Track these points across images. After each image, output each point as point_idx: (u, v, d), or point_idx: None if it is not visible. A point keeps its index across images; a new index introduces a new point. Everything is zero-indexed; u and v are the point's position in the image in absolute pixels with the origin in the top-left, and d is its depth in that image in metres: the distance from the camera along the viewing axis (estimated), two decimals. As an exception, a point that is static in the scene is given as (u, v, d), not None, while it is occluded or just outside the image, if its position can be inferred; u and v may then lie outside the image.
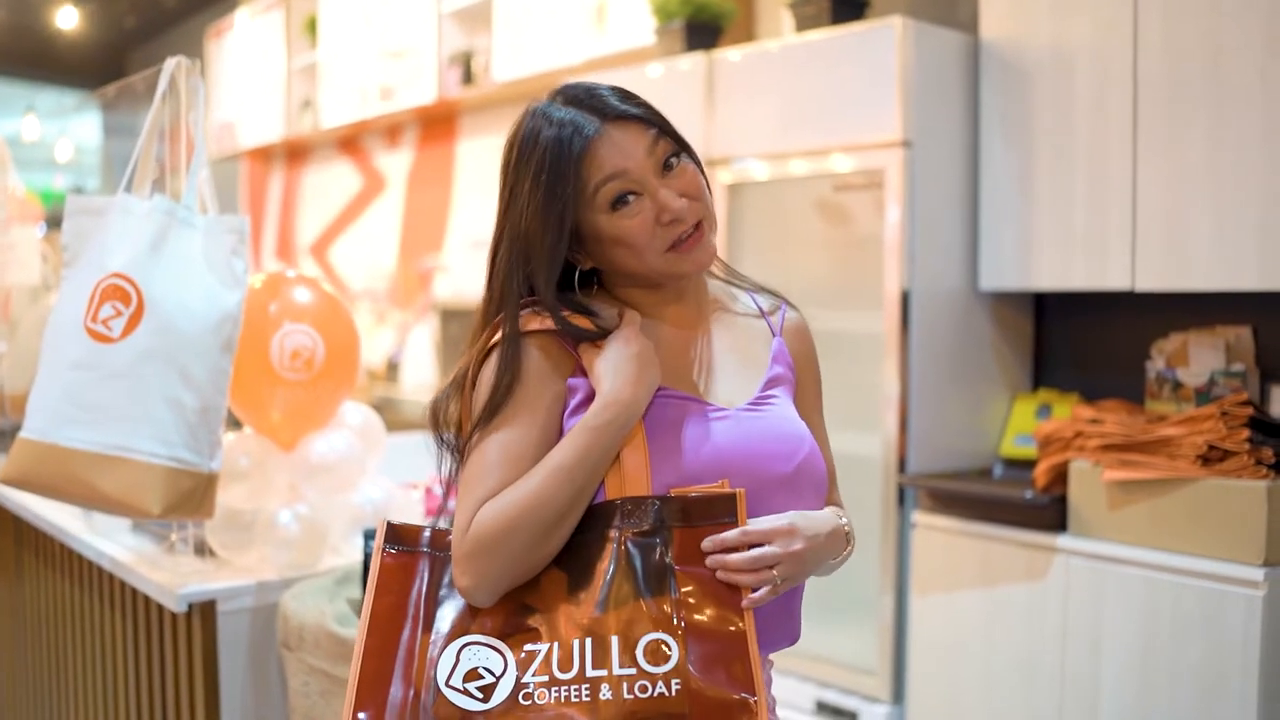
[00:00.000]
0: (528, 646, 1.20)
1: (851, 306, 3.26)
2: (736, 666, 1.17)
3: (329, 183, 7.16)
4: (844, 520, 1.37)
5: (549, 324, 1.31)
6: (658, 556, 1.22)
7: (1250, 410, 2.56)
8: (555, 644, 1.20)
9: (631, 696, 1.15)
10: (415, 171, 6.31)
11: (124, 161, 2.18)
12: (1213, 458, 2.54)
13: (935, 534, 3.03)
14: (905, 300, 3.02)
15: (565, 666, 1.18)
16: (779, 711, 1.46)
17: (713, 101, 3.45)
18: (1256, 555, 2.45)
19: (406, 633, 1.23)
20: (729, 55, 3.43)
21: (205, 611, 2.16)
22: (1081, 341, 3.31)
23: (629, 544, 1.23)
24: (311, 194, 7.40)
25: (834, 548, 1.32)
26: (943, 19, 3.37)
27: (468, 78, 5.24)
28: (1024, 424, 3.24)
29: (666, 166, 1.32)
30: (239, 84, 7.39)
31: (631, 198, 1.30)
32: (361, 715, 1.19)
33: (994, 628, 2.91)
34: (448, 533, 1.28)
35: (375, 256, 6.60)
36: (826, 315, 3.17)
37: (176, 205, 2.07)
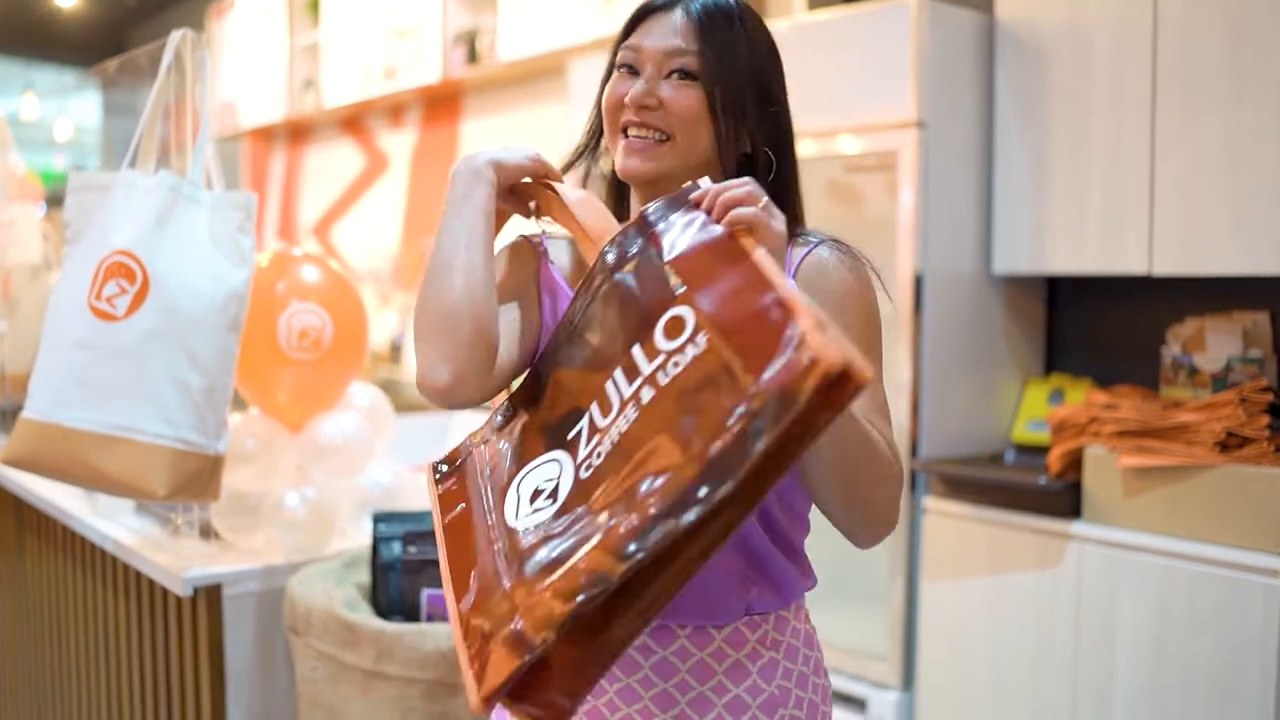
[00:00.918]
0: (570, 433, 1.14)
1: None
2: (751, 280, 1.03)
3: (331, 163, 7.11)
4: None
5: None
6: (649, 266, 1.14)
7: (1270, 397, 2.53)
8: (592, 405, 1.12)
9: (669, 378, 1.03)
10: (419, 152, 6.26)
11: (124, 141, 2.14)
12: (1231, 444, 2.51)
13: (947, 520, 3.00)
14: (918, 283, 2.98)
15: (605, 410, 1.09)
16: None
17: (723, 81, 3.40)
18: (1275, 543, 2.42)
19: (479, 521, 1.17)
20: (740, 34, 3.38)
21: (211, 595, 2.12)
22: (1095, 326, 3.28)
23: (617, 278, 1.18)
24: (314, 174, 7.35)
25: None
26: (957, -2, 3.32)
27: (472, 57, 5.18)
28: (1036, 409, 3.21)
29: (672, 74, 1.31)
30: (240, 63, 7.33)
31: (627, 71, 1.34)
32: (463, 602, 1.10)
33: (1006, 615, 2.88)
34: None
35: (378, 237, 6.56)
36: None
37: (182, 181, 2.03)
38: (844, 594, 3.15)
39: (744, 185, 1.12)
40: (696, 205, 1.15)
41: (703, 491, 0.93)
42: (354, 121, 6.80)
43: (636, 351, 1.09)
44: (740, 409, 0.94)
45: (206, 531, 2.30)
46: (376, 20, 5.81)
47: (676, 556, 0.97)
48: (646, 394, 1.05)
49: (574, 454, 1.11)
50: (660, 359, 1.05)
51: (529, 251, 1.43)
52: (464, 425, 3.12)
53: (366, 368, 5.69)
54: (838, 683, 3.16)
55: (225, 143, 8.13)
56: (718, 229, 1.10)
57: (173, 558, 2.19)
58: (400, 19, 5.62)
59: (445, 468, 1.28)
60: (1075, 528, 2.74)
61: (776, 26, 3.29)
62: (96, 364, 1.95)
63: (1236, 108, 2.64)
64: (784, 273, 1.05)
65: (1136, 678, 2.62)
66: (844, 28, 3.12)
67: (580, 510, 1.05)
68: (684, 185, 1.19)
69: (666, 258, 1.13)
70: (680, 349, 1.04)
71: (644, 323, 1.10)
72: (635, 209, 1.37)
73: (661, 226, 1.16)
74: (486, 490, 1.20)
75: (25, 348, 3.03)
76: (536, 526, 1.08)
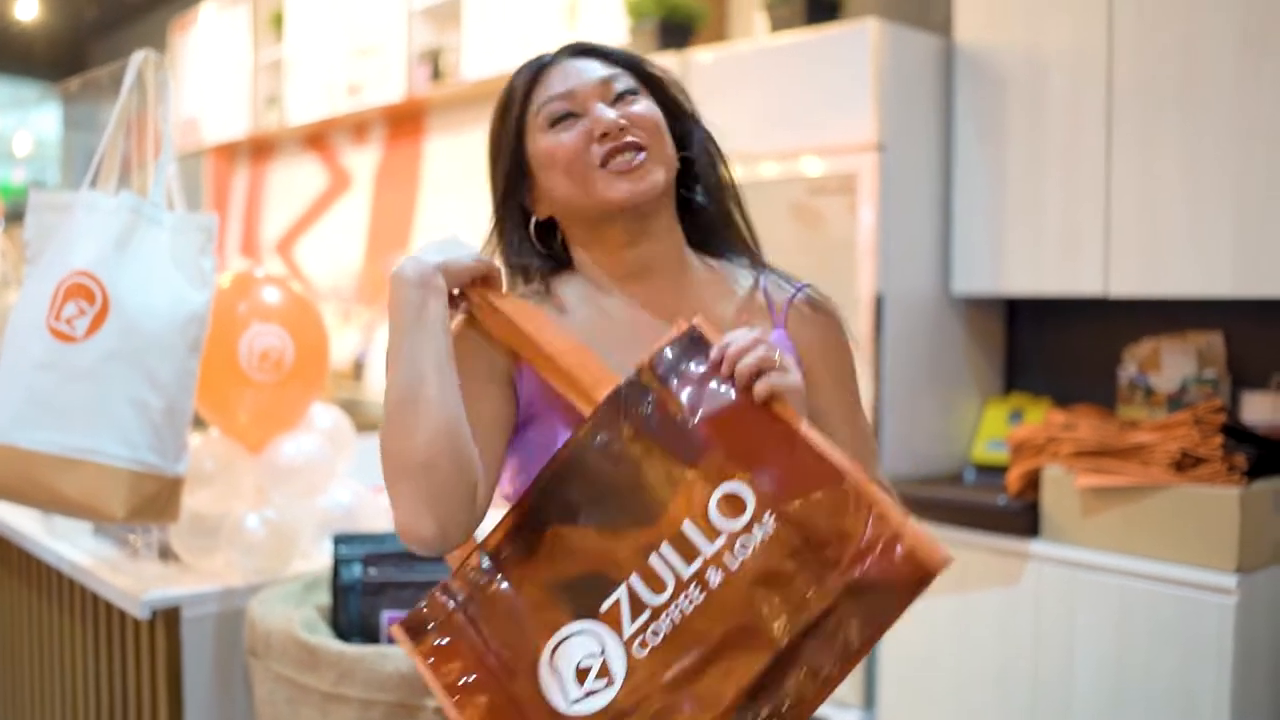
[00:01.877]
0: (604, 604, 1.09)
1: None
2: (803, 456, 1.05)
3: (295, 180, 7.08)
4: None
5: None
6: (669, 424, 1.10)
7: (1223, 417, 2.56)
8: (631, 578, 1.08)
9: (739, 563, 1.03)
10: (383, 169, 6.24)
11: (85, 155, 2.13)
12: (1186, 464, 2.54)
13: (907, 539, 3.01)
14: (878, 304, 3.01)
15: (657, 588, 1.07)
16: None
17: (686, 102, 3.42)
18: (1229, 562, 2.45)
19: (504, 701, 1.11)
20: (701, 56, 3.40)
21: (169, 618, 2.11)
22: (1053, 346, 3.32)
23: (639, 434, 1.12)
24: (277, 191, 7.32)
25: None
26: (917, 21, 3.36)
27: (436, 75, 5.19)
28: (996, 429, 3.24)
29: (620, 98, 1.28)
30: (203, 79, 7.29)
31: (571, 119, 1.27)
32: None
33: (966, 634, 2.90)
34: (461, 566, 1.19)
35: (341, 255, 6.53)
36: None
37: (143, 202, 2.02)
38: (806, 613, 3.16)
39: (758, 345, 1.10)
40: (698, 349, 1.12)
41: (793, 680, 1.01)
42: (318, 139, 6.78)
43: (690, 528, 1.07)
44: (831, 601, 1.01)
45: (165, 553, 2.28)
46: (341, 37, 5.80)
47: None
48: (714, 577, 1.05)
49: (616, 629, 1.08)
50: (723, 539, 1.05)
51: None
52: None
53: (328, 387, 5.67)
54: (800, 701, 3.16)
55: (188, 159, 8.08)
56: (743, 394, 1.09)
57: (131, 580, 2.17)
58: (365, 37, 5.62)
59: (431, 626, 1.18)
60: (1034, 547, 2.77)
61: (739, 49, 3.32)
62: (55, 385, 1.93)
63: (1192, 130, 2.69)
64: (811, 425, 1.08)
65: (1096, 695, 2.65)
66: (805, 51, 3.15)
67: (648, 690, 1.05)
68: (684, 329, 1.14)
69: (694, 420, 1.10)
70: (746, 529, 1.05)
71: (684, 493, 1.08)
72: (609, 239, 1.29)
73: (675, 382, 1.12)
74: (497, 656, 1.13)
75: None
76: (600, 710, 1.07)
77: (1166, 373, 2.93)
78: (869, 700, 3.10)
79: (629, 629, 1.07)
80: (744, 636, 1.02)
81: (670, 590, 1.06)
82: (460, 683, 1.14)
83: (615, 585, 1.09)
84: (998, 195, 3.07)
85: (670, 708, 1.04)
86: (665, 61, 3.48)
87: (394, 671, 1.89)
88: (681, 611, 1.05)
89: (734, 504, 1.06)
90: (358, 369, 5.87)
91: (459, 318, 1.27)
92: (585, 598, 1.10)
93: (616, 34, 4.01)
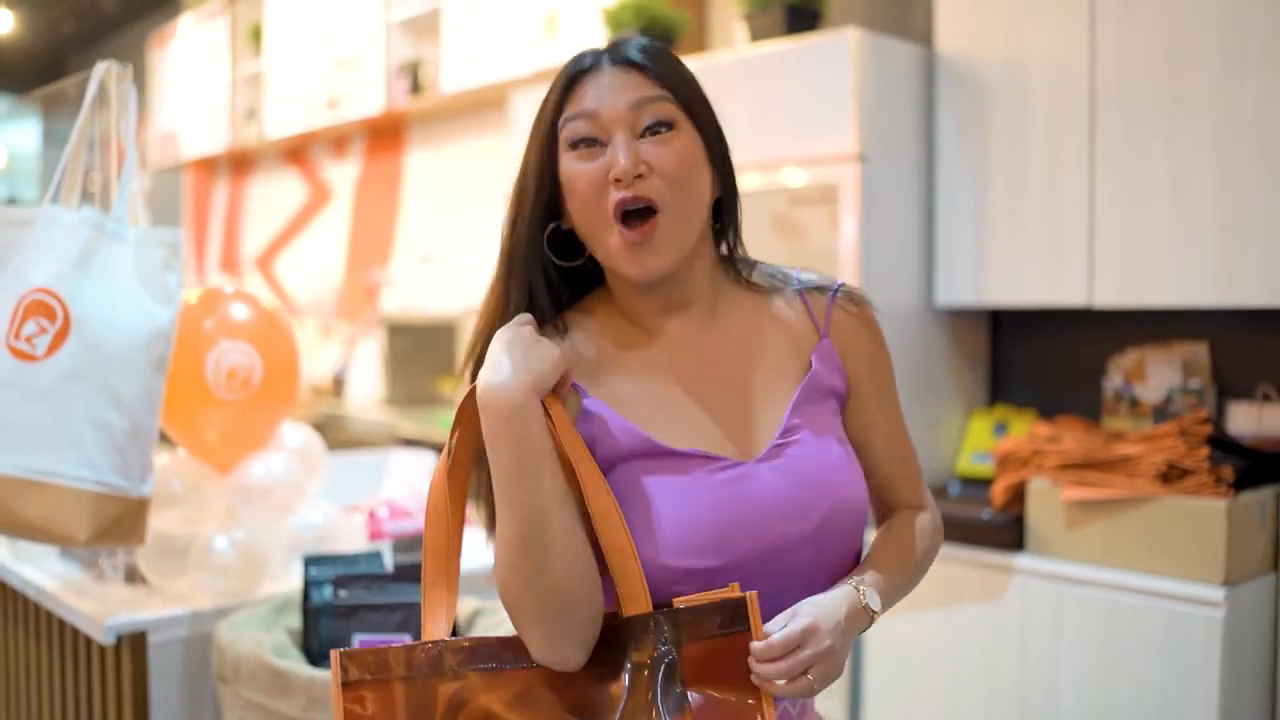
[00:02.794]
0: None
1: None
2: None
3: (274, 194, 7.04)
4: (862, 592, 1.17)
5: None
6: (670, 680, 1.10)
7: (1209, 428, 2.54)
8: None
9: None
10: (362, 183, 6.20)
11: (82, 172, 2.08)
12: (1172, 476, 2.51)
13: (892, 553, 2.98)
14: (861, 316, 2.97)
15: None
16: None
17: (665, 113, 3.39)
18: (1217, 575, 2.42)
19: None
20: (682, 66, 3.37)
21: (135, 643, 2.05)
22: (1038, 358, 3.29)
23: (640, 670, 1.11)
24: (257, 205, 7.27)
25: (858, 625, 1.17)
26: (898, 31, 3.34)
27: (416, 88, 5.15)
28: (980, 441, 3.20)
29: (650, 131, 1.17)
30: (182, 93, 7.24)
31: (592, 146, 1.17)
32: None
33: (952, 648, 2.86)
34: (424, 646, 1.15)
35: (321, 269, 6.49)
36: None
37: (105, 217, 1.97)
38: (790, 629, 3.12)
39: (807, 648, 1.09)
40: (737, 618, 1.09)
41: None
42: (297, 152, 6.74)
43: None
44: None
45: (132, 576, 2.23)
46: (319, 50, 5.77)
47: None
48: None
49: None
50: None
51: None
52: (401, 464, 3.06)
53: (308, 402, 5.61)
54: (784, 719, 3.13)
55: (167, 173, 8.03)
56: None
57: (96, 604, 2.11)
58: (343, 49, 5.58)
59: (367, 677, 1.14)
60: (1019, 561, 2.73)
61: (719, 59, 3.29)
62: (15, 406, 1.88)
63: (1175, 140, 2.66)
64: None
65: (1083, 710, 2.61)
66: (786, 60, 3.12)
67: None
68: (724, 598, 1.10)
69: (691, 694, 1.10)
70: None
71: None
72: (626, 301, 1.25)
73: (692, 646, 1.10)
74: None
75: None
76: None
77: (1151, 383, 2.90)
78: (854, 713, 3.06)
79: None
80: None
81: None
82: None
83: None
84: (981, 205, 3.04)
85: None
86: (644, 72, 3.44)
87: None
88: None
89: None
90: (338, 385, 5.82)
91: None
92: None
93: (595, 45, 3.97)
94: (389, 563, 2.10)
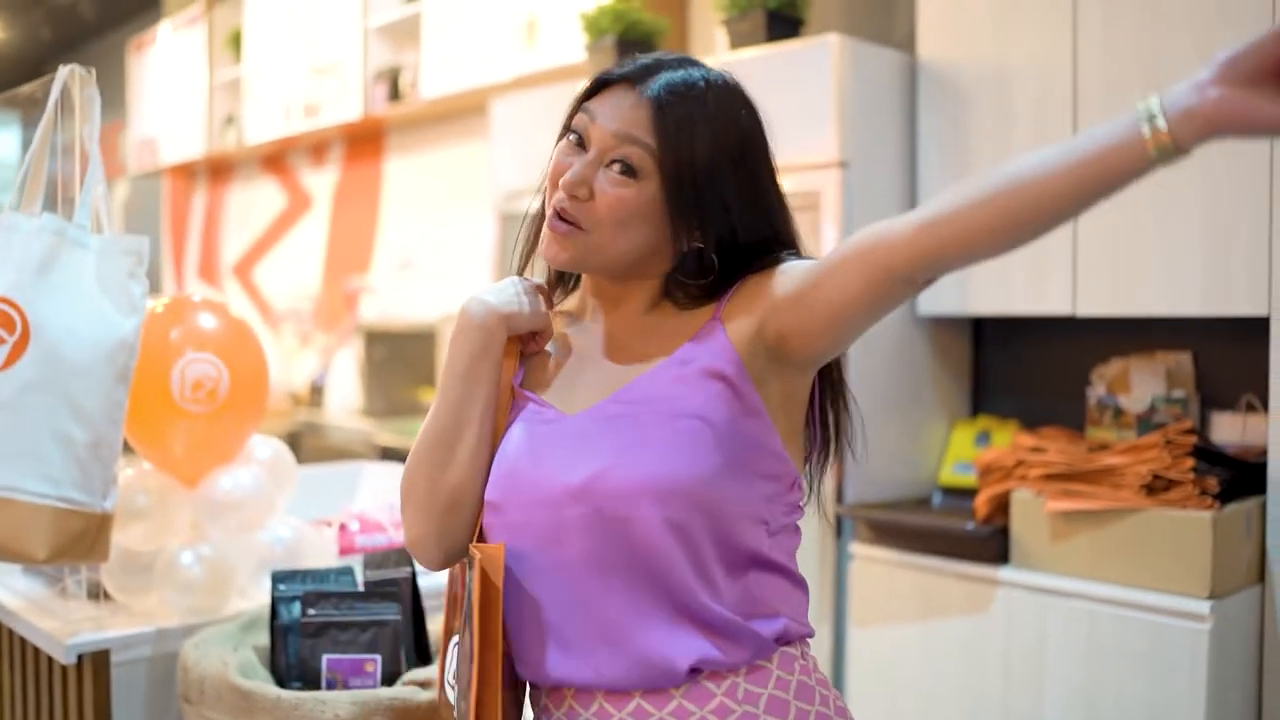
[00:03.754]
0: None
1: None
2: None
3: (253, 201, 6.98)
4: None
5: None
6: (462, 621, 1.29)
7: (1194, 439, 2.50)
8: None
9: None
10: (341, 190, 6.15)
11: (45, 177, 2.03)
12: (1157, 487, 2.48)
13: (874, 565, 2.95)
14: (843, 325, 2.93)
15: None
16: None
17: (645, 120, 3.35)
18: (1202, 588, 2.38)
19: None
20: (662, 73, 3.33)
21: (97, 662, 2.00)
22: (1021, 367, 3.26)
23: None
24: (235, 212, 7.21)
25: None
26: (880, 37, 3.31)
27: (395, 94, 5.10)
28: (963, 451, 3.17)
29: (614, 164, 1.24)
30: (161, 99, 7.18)
31: (576, 140, 1.28)
32: None
33: (934, 662, 2.83)
34: None
35: (300, 277, 6.43)
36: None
37: (67, 224, 1.92)
38: (771, 642, 3.08)
39: None
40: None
41: None
42: (276, 159, 6.68)
43: None
44: None
45: (96, 593, 2.17)
46: (298, 57, 5.71)
47: None
48: None
49: None
50: None
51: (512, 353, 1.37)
52: (374, 477, 3.01)
53: (286, 410, 5.55)
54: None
55: (146, 180, 7.96)
56: None
57: (58, 622, 2.06)
58: (322, 55, 5.53)
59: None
60: (1003, 573, 2.70)
61: (698, 65, 3.25)
62: (-28, 419, 1.83)
63: (1156, 149, 2.63)
64: None
65: (1066, 726, 2.58)
66: (766, 67, 3.08)
67: None
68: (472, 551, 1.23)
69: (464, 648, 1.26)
70: None
71: None
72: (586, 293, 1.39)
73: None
74: None
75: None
76: None
77: (1135, 393, 2.87)
78: (836, 732, 3.01)
79: None
80: None
81: None
82: None
83: None
84: (962, 213, 3.00)
85: None
86: (623, 78, 3.40)
87: (333, 718, 1.80)
88: None
89: None
90: (315, 393, 5.76)
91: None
92: None
93: (575, 52, 3.94)
94: (360, 579, 2.05)
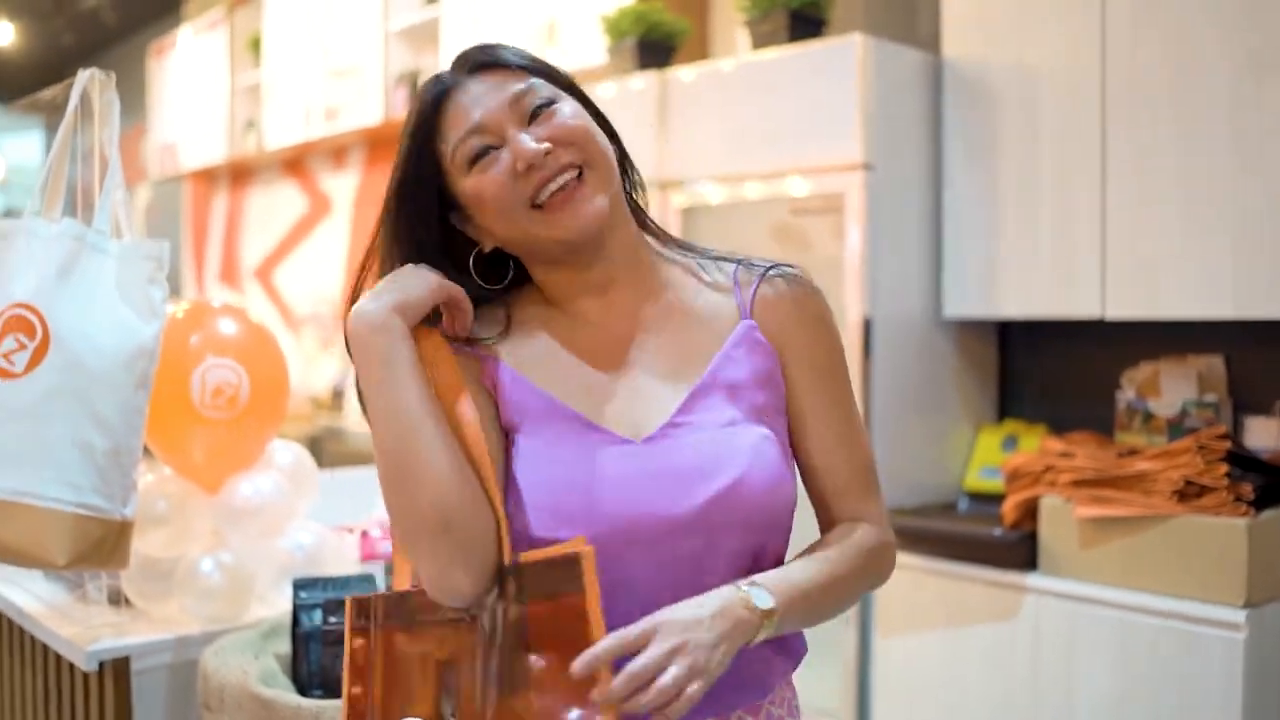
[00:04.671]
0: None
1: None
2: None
3: (274, 205, 6.98)
4: (745, 590, 1.08)
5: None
6: (518, 638, 1.08)
7: (1228, 444, 2.46)
8: None
9: None
10: (362, 194, 6.15)
11: (67, 182, 2.02)
12: (1190, 494, 2.44)
13: (900, 572, 2.88)
14: (866, 328, 2.90)
15: None
16: None
17: (666, 122, 3.33)
18: (1237, 596, 2.34)
19: None
20: (682, 74, 3.31)
21: (118, 669, 1.98)
22: (1048, 371, 3.21)
23: (491, 627, 1.09)
24: (256, 216, 7.22)
25: (738, 624, 1.06)
26: (904, 37, 3.27)
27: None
28: (989, 456, 3.13)
29: (535, 115, 1.17)
30: (182, 104, 7.20)
31: (489, 153, 1.16)
32: None
33: (961, 670, 2.79)
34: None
35: (321, 281, 6.43)
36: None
37: (87, 229, 1.90)
38: (796, 649, 3.05)
39: (651, 650, 1.01)
40: (563, 580, 1.06)
41: None
42: (296, 163, 6.69)
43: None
44: None
45: (116, 598, 2.16)
46: (318, 60, 5.71)
47: None
48: None
49: None
50: None
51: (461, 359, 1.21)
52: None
53: (307, 415, 5.55)
54: (790, 742, 3.05)
55: (167, 184, 7.99)
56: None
57: (78, 628, 2.05)
58: (341, 59, 5.53)
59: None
60: (1031, 580, 2.66)
61: (721, 67, 3.23)
62: (-8, 425, 1.82)
63: (1187, 148, 2.59)
64: None
65: (1097, 736, 2.54)
66: (789, 68, 3.06)
67: None
68: (559, 554, 1.07)
69: (530, 666, 1.07)
70: None
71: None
72: (565, 264, 1.22)
73: (537, 608, 1.09)
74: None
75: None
76: None
77: (1166, 397, 2.83)
78: (862, 740, 2.99)
79: None
80: None
81: None
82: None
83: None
84: (989, 215, 2.97)
85: None
86: (645, 81, 3.38)
87: (354, 728, 1.78)
88: None
89: None
90: (336, 397, 5.76)
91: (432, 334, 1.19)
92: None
93: (595, 54, 3.92)
94: (382, 585, 2.03)
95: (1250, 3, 2.50)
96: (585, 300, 1.24)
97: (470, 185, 1.18)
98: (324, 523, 2.32)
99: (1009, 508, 2.73)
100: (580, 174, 1.16)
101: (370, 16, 5.32)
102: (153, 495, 2.07)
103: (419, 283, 1.16)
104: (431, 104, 1.19)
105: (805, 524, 1.30)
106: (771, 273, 1.26)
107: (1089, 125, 2.76)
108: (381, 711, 1.14)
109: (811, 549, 1.23)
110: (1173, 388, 2.82)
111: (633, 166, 1.28)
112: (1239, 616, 2.33)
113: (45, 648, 2.19)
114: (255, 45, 6.39)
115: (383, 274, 1.21)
